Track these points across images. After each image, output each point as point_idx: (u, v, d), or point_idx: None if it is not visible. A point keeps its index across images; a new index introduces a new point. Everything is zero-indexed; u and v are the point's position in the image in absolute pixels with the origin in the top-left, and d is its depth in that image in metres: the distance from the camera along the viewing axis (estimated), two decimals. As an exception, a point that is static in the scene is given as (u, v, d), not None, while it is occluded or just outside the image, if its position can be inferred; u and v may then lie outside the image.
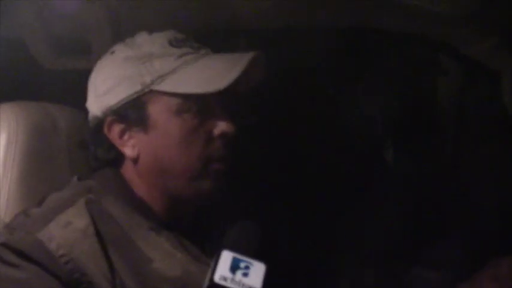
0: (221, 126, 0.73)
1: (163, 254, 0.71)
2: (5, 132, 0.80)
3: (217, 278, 0.56)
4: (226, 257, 0.58)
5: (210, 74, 0.72)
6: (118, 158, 0.76)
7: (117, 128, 0.74)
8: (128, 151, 0.74)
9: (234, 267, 0.57)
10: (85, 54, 1.02)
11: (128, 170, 0.76)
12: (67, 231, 0.68)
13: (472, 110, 1.29)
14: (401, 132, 1.36)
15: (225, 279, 0.56)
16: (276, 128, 1.31)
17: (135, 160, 0.75)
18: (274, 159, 1.30)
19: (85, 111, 0.80)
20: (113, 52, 0.77)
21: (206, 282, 0.57)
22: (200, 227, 0.80)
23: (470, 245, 1.04)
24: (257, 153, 1.24)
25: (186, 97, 0.72)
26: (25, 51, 1.04)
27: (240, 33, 1.17)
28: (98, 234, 0.69)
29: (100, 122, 0.76)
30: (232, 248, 0.59)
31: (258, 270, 0.57)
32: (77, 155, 0.86)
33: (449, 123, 1.34)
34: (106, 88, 0.75)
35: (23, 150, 0.81)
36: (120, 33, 0.99)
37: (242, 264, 0.57)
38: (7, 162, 0.79)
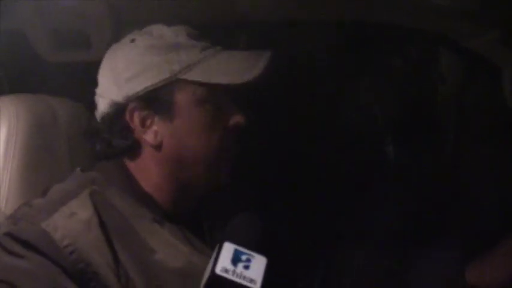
0: (236, 118, 0.76)
1: (166, 246, 0.72)
2: (5, 125, 0.80)
3: (218, 270, 0.56)
4: (228, 249, 0.58)
5: (235, 66, 0.74)
6: (133, 147, 0.76)
7: (140, 115, 0.75)
8: (150, 138, 0.75)
9: (236, 259, 0.57)
10: (85, 47, 1.02)
11: (143, 159, 0.76)
12: (71, 222, 0.68)
13: (472, 106, 1.29)
14: (401, 129, 1.36)
15: (226, 271, 0.56)
16: (276, 124, 1.31)
17: (157, 147, 0.75)
18: (275, 154, 1.30)
19: (85, 103, 0.80)
20: (133, 40, 0.77)
21: (208, 273, 0.57)
22: (203, 219, 0.81)
23: (471, 244, 1.04)
24: (258, 147, 1.24)
25: (211, 87, 0.74)
26: (25, 44, 1.04)
27: (241, 27, 1.17)
28: (102, 225, 0.69)
29: (120, 109, 0.75)
30: (233, 240, 0.59)
31: (259, 263, 0.57)
32: (77, 147, 0.86)
33: (450, 120, 1.34)
34: (130, 75, 0.74)
35: (23, 142, 0.81)
36: (120, 26, 0.99)
37: (243, 257, 0.57)
38: (7, 154, 0.79)
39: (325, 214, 1.20)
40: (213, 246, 0.75)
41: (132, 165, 0.77)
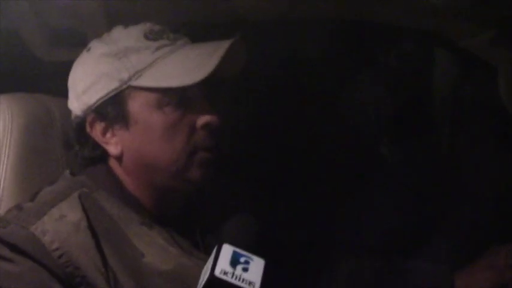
0: (203, 118, 0.72)
1: (155, 248, 0.71)
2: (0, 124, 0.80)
3: (217, 272, 0.56)
4: (226, 251, 0.57)
5: (187, 65, 0.71)
6: (104, 156, 0.76)
7: (99, 127, 0.74)
8: (112, 149, 0.74)
9: (234, 261, 0.57)
10: (81, 46, 1.01)
11: (115, 167, 0.76)
12: (60, 224, 0.67)
13: (468, 104, 1.30)
14: (398, 129, 1.36)
15: (225, 273, 0.56)
16: (272, 122, 1.31)
17: (119, 157, 0.74)
18: (271, 154, 1.30)
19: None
20: (89, 49, 0.76)
21: (206, 275, 0.57)
22: (191, 221, 0.80)
23: (468, 238, 1.05)
24: (250, 145, 1.24)
25: (165, 91, 0.71)
26: (21, 42, 1.03)
27: (237, 25, 1.17)
28: (91, 228, 0.68)
29: (82, 121, 0.75)
30: (231, 242, 0.59)
31: (257, 265, 0.57)
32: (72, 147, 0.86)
33: (446, 119, 1.34)
34: (84, 87, 0.74)
35: (18, 142, 0.80)
36: (115, 24, 0.98)
37: (242, 259, 0.57)
38: (2, 154, 0.79)
39: (322, 210, 1.20)
40: (205, 249, 0.75)
41: (116, 171, 0.76)
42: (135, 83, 0.71)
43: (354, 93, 1.36)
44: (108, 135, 0.74)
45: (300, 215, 1.11)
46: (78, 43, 1.01)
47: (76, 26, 1.02)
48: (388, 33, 1.22)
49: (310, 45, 1.24)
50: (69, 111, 0.88)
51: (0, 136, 0.80)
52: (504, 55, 1.00)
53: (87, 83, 0.74)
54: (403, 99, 1.36)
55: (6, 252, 0.64)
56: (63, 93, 0.92)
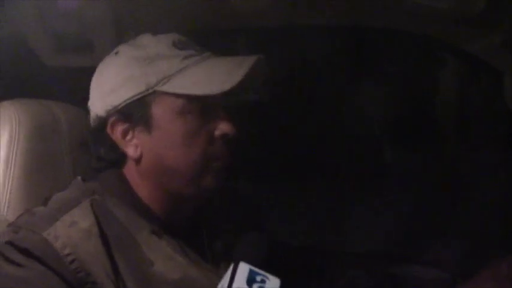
0: (222, 128, 0.74)
1: (164, 257, 0.72)
2: (6, 130, 0.80)
3: None
4: (243, 269, 0.57)
5: (214, 76, 0.72)
6: (120, 158, 0.76)
7: (120, 128, 0.74)
8: (131, 151, 0.75)
9: (251, 280, 0.57)
10: (87, 51, 1.02)
11: (130, 171, 0.76)
12: (72, 230, 0.68)
13: (473, 108, 1.29)
14: (402, 132, 1.36)
15: None
16: (275, 128, 1.31)
17: (138, 160, 0.75)
18: (274, 161, 1.30)
19: (87, 109, 0.81)
20: (117, 53, 0.77)
21: None
22: (199, 232, 0.80)
23: (470, 245, 1.05)
24: (257, 155, 1.24)
25: (189, 98, 0.72)
26: (27, 48, 1.04)
27: (239, 32, 1.17)
28: (102, 235, 0.69)
29: (103, 122, 0.76)
30: (246, 260, 0.59)
31: (273, 284, 0.57)
32: (78, 152, 0.86)
33: (450, 124, 1.34)
34: (110, 88, 0.75)
35: (24, 147, 0.80)
36: (121, 31, 0.99)
37: (258, 278, 0.57)
38: (9, 160, 0.79)
39: (324, 217, 1.20)
40: (212, 259, 0.76)
41: (128, 177, 0.77)
42: (161, 88, 0.72)
43: (357, 99, 1.36)
44: (129, 137, 0.75)
45: (302, 219, 1.11)
46: (84, 49, 1.02)
47: (82, 32, 1.02)
48: (393, 38, 1.22)
49: (314, 50, 1.25)
50: (75, 117, 0.89)
51: (7, 141, 0.80)
52: (509, 59, 1.00)
53: (114, 84, 0.74)
54: (407, 105, 1.36)
55: (18, 257, 0.64)
56: (70, 98, 0.93)
